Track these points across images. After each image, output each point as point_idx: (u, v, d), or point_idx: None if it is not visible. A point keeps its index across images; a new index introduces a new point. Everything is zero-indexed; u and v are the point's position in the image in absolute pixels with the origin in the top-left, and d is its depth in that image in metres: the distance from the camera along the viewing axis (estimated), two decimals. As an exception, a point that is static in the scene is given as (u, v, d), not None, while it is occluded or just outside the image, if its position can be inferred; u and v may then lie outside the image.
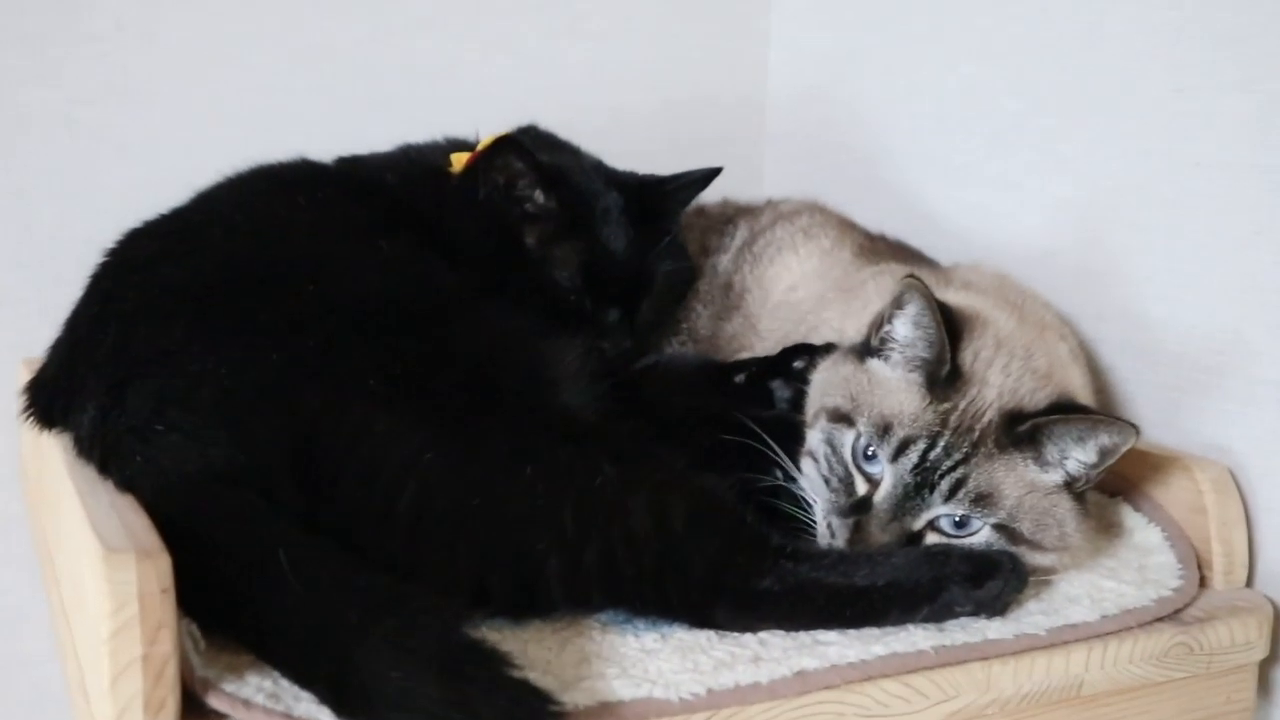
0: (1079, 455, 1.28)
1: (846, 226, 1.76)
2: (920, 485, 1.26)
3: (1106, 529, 1.46)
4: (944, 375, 1.28)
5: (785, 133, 2.25)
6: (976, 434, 1.26)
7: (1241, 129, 1.43)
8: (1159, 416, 1.55)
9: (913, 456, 1.26)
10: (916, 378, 1.30)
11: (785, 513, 1.33)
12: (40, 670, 1.85)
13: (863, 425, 1.29)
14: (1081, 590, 1.31)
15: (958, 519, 1.26)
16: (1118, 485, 1.50)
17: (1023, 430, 1.26)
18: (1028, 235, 1.73)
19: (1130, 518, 1.47)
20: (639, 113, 2.13)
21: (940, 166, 1.89)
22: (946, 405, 1.27)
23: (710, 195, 1.81)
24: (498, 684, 0.98)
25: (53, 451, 1.27)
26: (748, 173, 2.24)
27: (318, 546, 1.07)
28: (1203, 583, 1.39)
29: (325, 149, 1.62)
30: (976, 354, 1.30)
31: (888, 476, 1.28)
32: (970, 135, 1.83)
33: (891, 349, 1.31)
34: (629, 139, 1.84)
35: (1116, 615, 1.27)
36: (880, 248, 1.69)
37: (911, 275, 1.27)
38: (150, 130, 1.83)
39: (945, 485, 1.25)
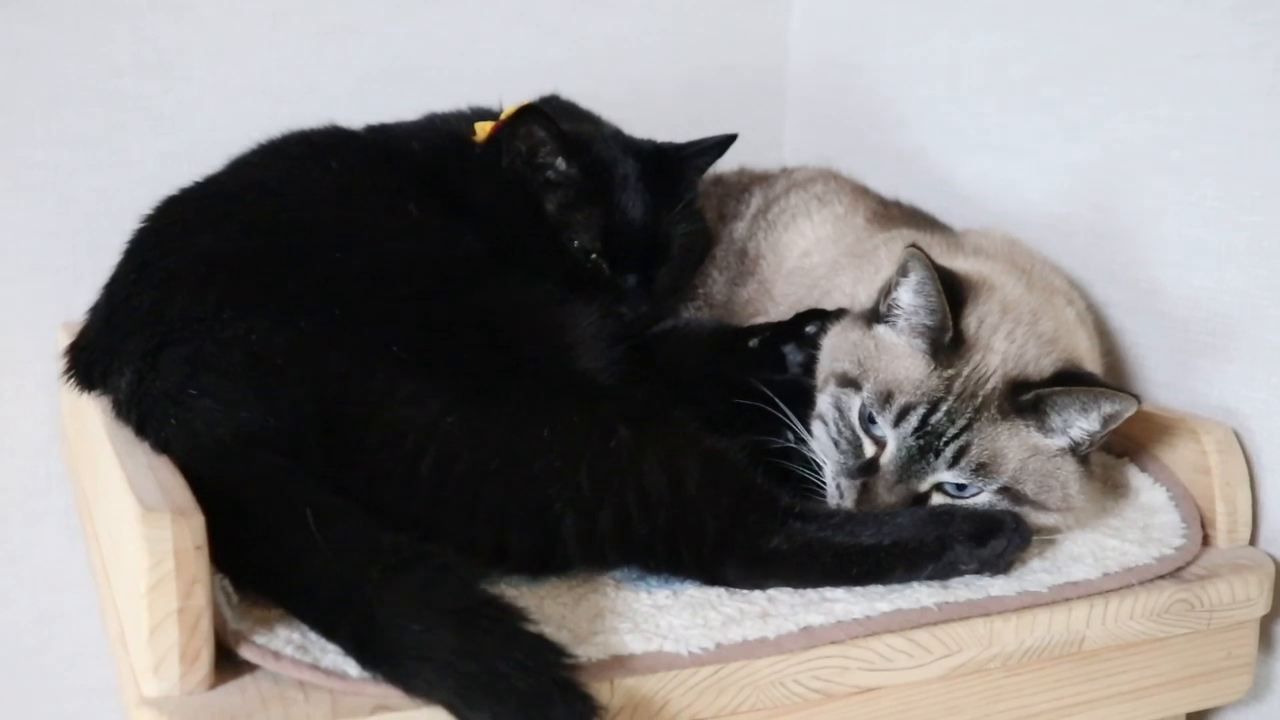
0: (1082, 424, 1.30)
1: (860, 193, 1.78)
2: (924, 450, 1.29)
3: (1113, 489, 1.49)
4: (947, 341, 1.30)
5: (805, 100, 2.27)
6: (980, 399, 1.29)
7: (1250, 94, 1.45)
8: (1167, 378, 1.58)
9: (913, 421, 1.29)
10: (921, 344, 1.32)
11: (796, 474, 1.36)
12: (79, 625, 1.91)
13: (868, 390, 1.32)
14: (1085, 549, 1.34)
15: (960, 485, 1.30)
16: (1124, 446, 1.53)
17: (1026, 400, 1.29)
18: (1040, 200, 1.75)
19: (1136, 478, 1.50)
20: (660, 83, 2.16)
21: (955, 133, 1.91)
22: (950, 371, 1.30)
23: (729, 163, 1.83)
24: (513, 636, 1.02)
25: (92, 413, 1.32)
26: (768, 140, 2.27)
27: (343, 506, 1.11)
28: (1207, 541, 1.42)
29: (353, 119, 1.65)
30: (981, 320, 1.32)
31: (890, 441, 1.30)
32: (983, 102, 1.84)
33: (897, 315, 1.34)
34: (651, 108, 1.86)
35: (1118, 573, 1.30)
36: (894, 213, 1.71)
37: (913, 245, 1.29)
38: (184, 101, 1.86)
39: (949, 452, 1.28)
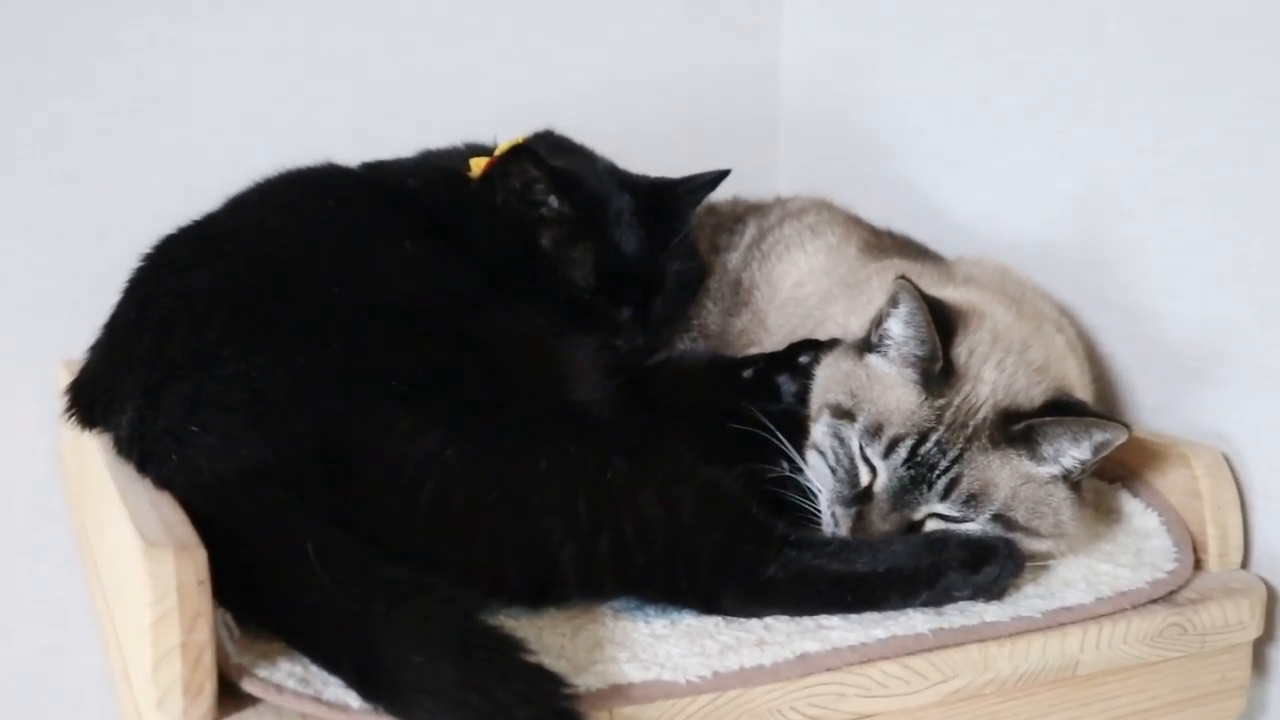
0: (1074, 452, 1.31)
1: (853, 223, 1.80)
2: (917, 480, 1.30)
3: (1106, 515, 1.50)
4: (938, 371, 1.32)
5: (798, 132, 2.29)
6: (971, 429, 1.30)
7: (1233, 124, 1.47)
8: (1157, 404, 1.59)
9: (902, 452, 1.30)
10: (912, 374, 1.34)
11: (792, 503, 1.37)
12: (81, 660, 1.91)
13: (860, 421, 1.34)
14: (1078, 574, 1.35)
15: (953, 516, 1.31)
16: (1117, 472, 1.54)
17: (1017, 429, 1.30)
18: (1031, 229, 1.77)
19: (1129, 503, 1.51)
20: (655, 116, 2.18)
21: (946, 163, 1.93)
22: (941, 401, 1.31)
23: (724, 193, 1.85)
24: (513, 667, 1.03)
25: (93, 450, 1.33)
26: (762, 172, 2.28)
27: (343, 540, 1.12)
28: (1199, 565, 1.43)
29: (350, 155, 1.67)
30: (972, 350, 1.34)
31: (882, 472, 1.32)
32: (973, 133, 1.87)
33: (888, 346, 1.35)
34: (645, 142, 1.88)
35: (1111, 597, 1.31)
36: (886, 243, 1.73)
37: (903, 276, 1.31)
38: (182, 139, 1.88)
39: (941, 484, 1.29)
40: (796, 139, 2.30)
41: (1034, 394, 1.33)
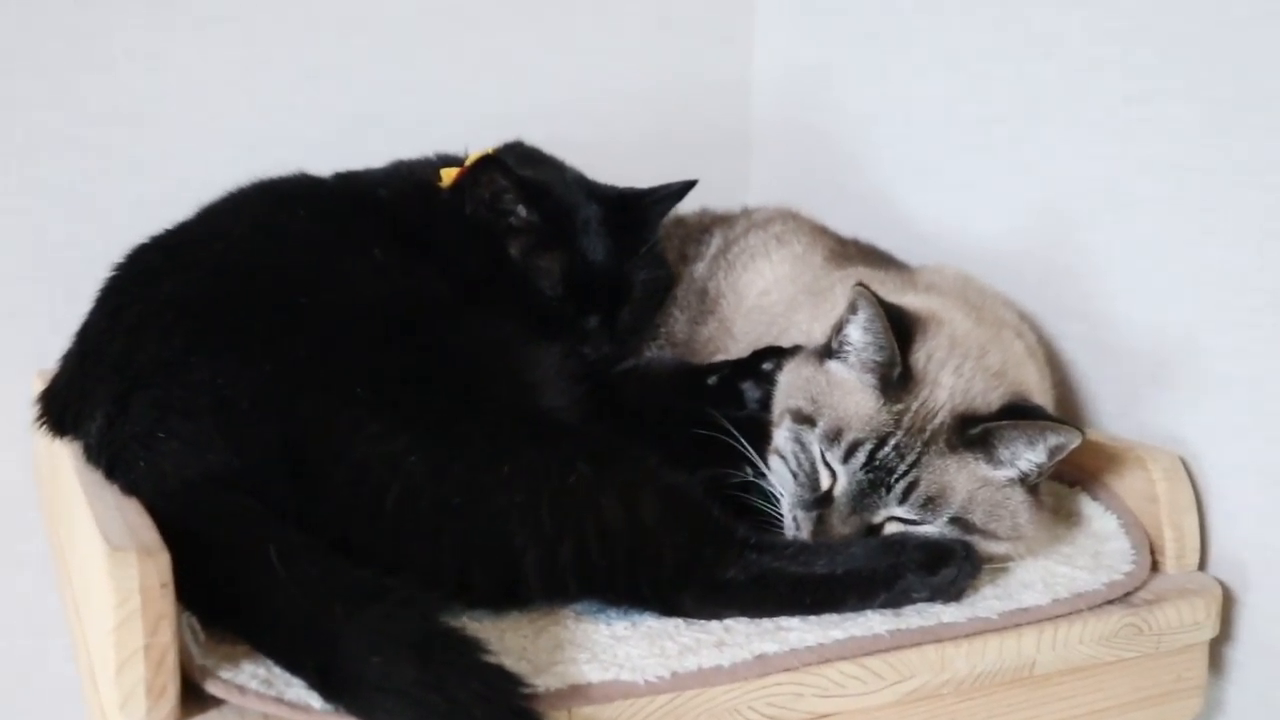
0: (1029, 456, 1.33)
1: (818, 232, 1.82)
2: (875, 484, 1.32)
3: (1065, 518, 1.52)
4: (896, 377, 1.34)
5: (769, 143, 2.32)
6: (928, 433, 1.32)
7: (1188, 134, 1.49)
8: (1117, 408, 1.62)
9: (861, 457, 1.32)
10: (870, 379, 1.36)
11: (755, 507, 1.39)
12: (58, 669, 1.90)
13: (820, 426, 1.36)
14: (1036, 576, 1.37)
15: (911, 519, 1.33)
16: (1076, 475, 1.57)
17: (974, 434, 1.32)
18: (994, 237, 1.79)
19: (1088, 506, 1.53)
20: (626, 128, 2.20)
21: (911, 172, 1.96)
22: (900, 406, 1.33)
23: (694, 204, 1.87)
24: (472, 667, 1.05)
25: (64, 458, 1.34)
26: (734, 182, 2.31)
27: (306, 544, 1.13)
28: (1156, 567, 1.45)
29: (323, 165, 1.69)
30: (930, 355, 1.36)
31: (841, 476, 1.34)
32: (937, 142, 1.89)
33: (848, 352, 1.38)
34: (616, 153, 1.90)
35: (1068, 599, 1.33)
36: (851, 252, 1.75)
37: (860, 283, 1.33)
38: (157, 150, 1.90)
39: (899, 488, 1.31)
40: (767, 150, 2.32)
41: (991, 399, 1.35)
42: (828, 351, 1.40)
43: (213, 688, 1.06)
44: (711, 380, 1.55)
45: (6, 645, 1.92)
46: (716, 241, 1.85)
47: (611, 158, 1.82)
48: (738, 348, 1.66)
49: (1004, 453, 1.33)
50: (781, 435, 1.41)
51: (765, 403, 1.49)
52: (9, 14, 1.80)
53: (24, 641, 1.92)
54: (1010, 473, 1.34)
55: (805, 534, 1.35)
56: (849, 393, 1.36)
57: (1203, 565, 1.48)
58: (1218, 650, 1.46)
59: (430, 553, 1.20)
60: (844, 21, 2.10)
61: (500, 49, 2.11)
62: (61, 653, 1.88)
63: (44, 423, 1.38)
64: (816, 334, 1.50)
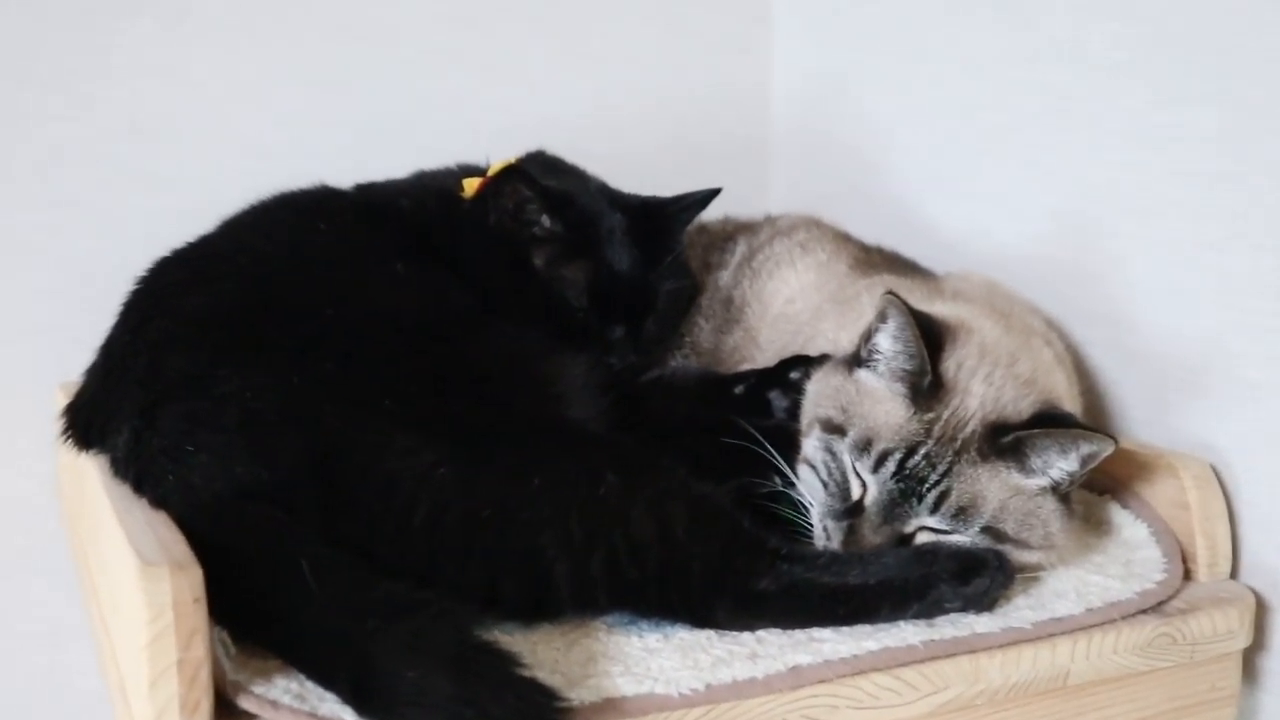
0: (1061, 464, 1.32)
1: (842, 240, 1.81)
2: (906, 494, 1.31)
3: (1095, 526, 1.51)
4: (926, 385, 1.33)
5: (789, 151, 2.31)
6: (959, 443, 1.31)
7: (1214, 139, 1.48)
8: (1146, 416, 1.60)
9: (891, 466, 1.31)
10: (900, 388, 1.35)
11: (784, 517, 1.39)
12: (80, 681, 1.91)
13: (850, 435, 1.35)
14: (1068, 585, 1.36)
15: (943, 529, 1.32)
16: (1106, 484, 1.56)
17: (1005, 442, 1.31)
18: (1018, 244, 1.79)
19: (1118, 515, 1.52)
20: (647, 136, 2.19)
21: (934, 180, 1.95)
22: (930, 415, 1.32)
23: (716, 213, 1.87)
24: (506, 681, 1.04)
25: (89, 472, 1.34)
26: (755, 191, 2.31)
27: (338, 557, 1.13)
28: (1188, 576, 1.44)
29: (343, 177, 1.68)
30: (960, 364, 1.35)
31: (872, 486, 1.33)
32: (960, 149, 1.88)
33: (877, 360, 1.37)
34: (638, 162, 1.90)
35: (1101, 608, 1.32)
36: (875, 259, 1.74)
37: (890, 291, 1.32)
38: (176, 162, 1.90)
39: (930, 498, 1.30)
40: (787, 158, 2.32)
41: (1022, 407, 1.34)
42: (857, 360, 1.39)
43: (245, 703, 1.06)
44: (738, 389, 1.54)
45: (29, 658, 1.92)
46: (741, 249, 1.84)
47: (632, 168, 1.82)
48: (764, 356, 1.66)
49: (1036, 461, 1.32)
50: (811, 444, 1.40)
51: (793, 412, 1.48)
52: (31, 30, 1.81)
53: (46, 656, 1.92)
54: (1042, 481, 1.33)
55: (836, 544, 1.34)
56: (879, 401, 1.36)
57: (1234, 573, 1.47)
58: (1251, 659, 1.45)
59: (459, 565, 1.20)
60: (862, 29, 2.09)
61: (519, 60, 2.11)
62: (82, 666, 1.89)
63: (69, 436, 1.38)
64: (843, 342, 1.49)
